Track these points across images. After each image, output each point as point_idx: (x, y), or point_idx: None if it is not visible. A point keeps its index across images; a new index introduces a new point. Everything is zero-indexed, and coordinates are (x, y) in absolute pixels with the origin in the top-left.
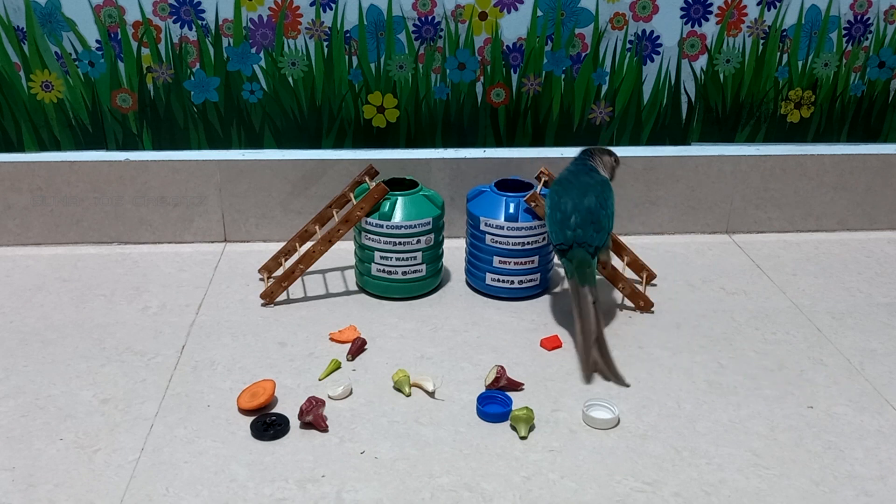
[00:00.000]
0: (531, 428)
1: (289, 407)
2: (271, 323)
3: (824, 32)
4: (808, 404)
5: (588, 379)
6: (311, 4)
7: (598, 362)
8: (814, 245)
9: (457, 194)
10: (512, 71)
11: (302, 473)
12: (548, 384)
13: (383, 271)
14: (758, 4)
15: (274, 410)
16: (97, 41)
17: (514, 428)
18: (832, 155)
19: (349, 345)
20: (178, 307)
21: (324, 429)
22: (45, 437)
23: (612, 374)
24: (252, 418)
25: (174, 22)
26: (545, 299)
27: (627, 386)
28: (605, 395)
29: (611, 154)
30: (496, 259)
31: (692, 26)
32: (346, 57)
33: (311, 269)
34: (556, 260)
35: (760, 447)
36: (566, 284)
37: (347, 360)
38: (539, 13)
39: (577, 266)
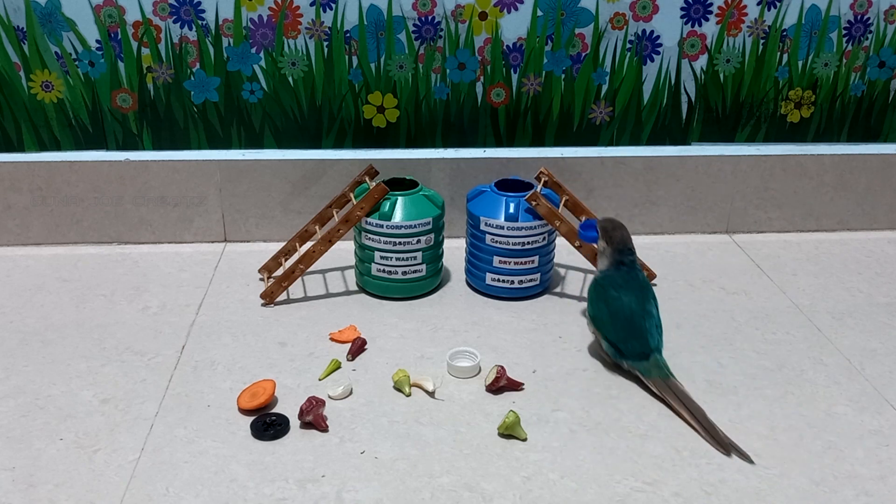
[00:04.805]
0: (514, 425)
1: (289, 407)
2: (271, 323)
3: (824, 32)
4: (807, 404)
5: (729, 453)
6: (311, 4)
7: (727, 439)
8: (814, 245)
9: (457, 194)
10: (512, 71)
11: (302, 473)
12: (548, 384)
13: (383, 271)
14: (758, 4)
15: (274, 410)
16: (97, 41)
17: (511, 436)
18: (832, 155)
19: (349, 345)
20: (178, 307)
21: (324, 429)
22: (45, 437)
23: (735, 448)
24: (252, 418)
25: (174, 22)
26: (545, 299)
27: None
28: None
29: (603, 233)
30: (496, 259)
31: (692, 26)
32: (346, 57)
33: (311, 269)
34: (555, 258)
35: (760, 447)
36: (566, 287)
37: (347, 360)
38: (539, 13)
39: (653, 366)
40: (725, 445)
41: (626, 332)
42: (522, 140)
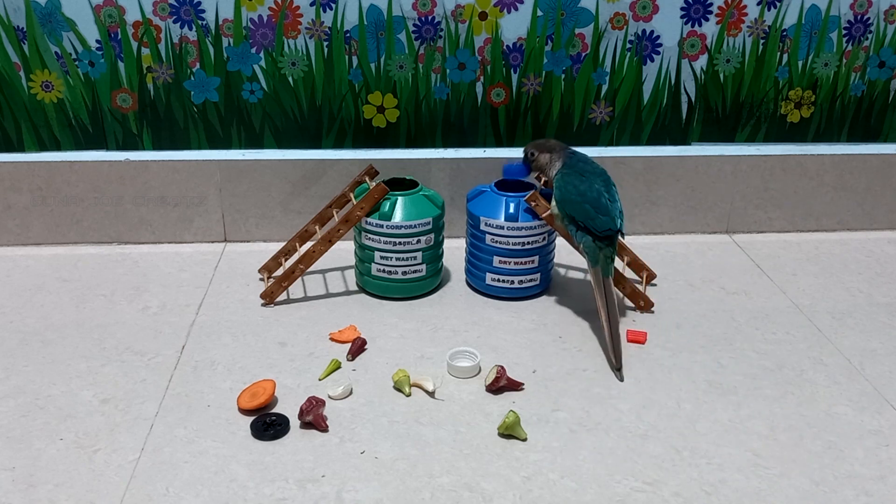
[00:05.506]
0: (514, 425)
1: (289, 407)
2: (271, 323)
3: (824, 32)
4: (807, 404)
5: (617, 369)
6: (311, 4)
7: (619, 358)
8: (814, 245)
9: (457, 194)
10: (512, 71)
11: (302, 473)
12: (548, 384)
13: (383, 271)
14: (758, 4)
15: (274, 410)
16: (97, 41)
17: (511, 436)
18: (832, 155)
19: (349, 345)
20: (178, 307)
21: (324, 429)
22: (45, 437)
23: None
24: (252, 418)
25: (174, 22)
26: (545, 299)
27: (620, 381)
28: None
29: (541, 148)
30: (496, 259)
31: (692, 26)
32: (346, 57)
33: (311, 269)
34: (555, 258)
35: (760, 447)
36: (566, 287)
37: (347, 360)
38: (539, 13)
39: (605, 257)
40: (618, 361)
41: (595, 209)
42: (522, 140)
